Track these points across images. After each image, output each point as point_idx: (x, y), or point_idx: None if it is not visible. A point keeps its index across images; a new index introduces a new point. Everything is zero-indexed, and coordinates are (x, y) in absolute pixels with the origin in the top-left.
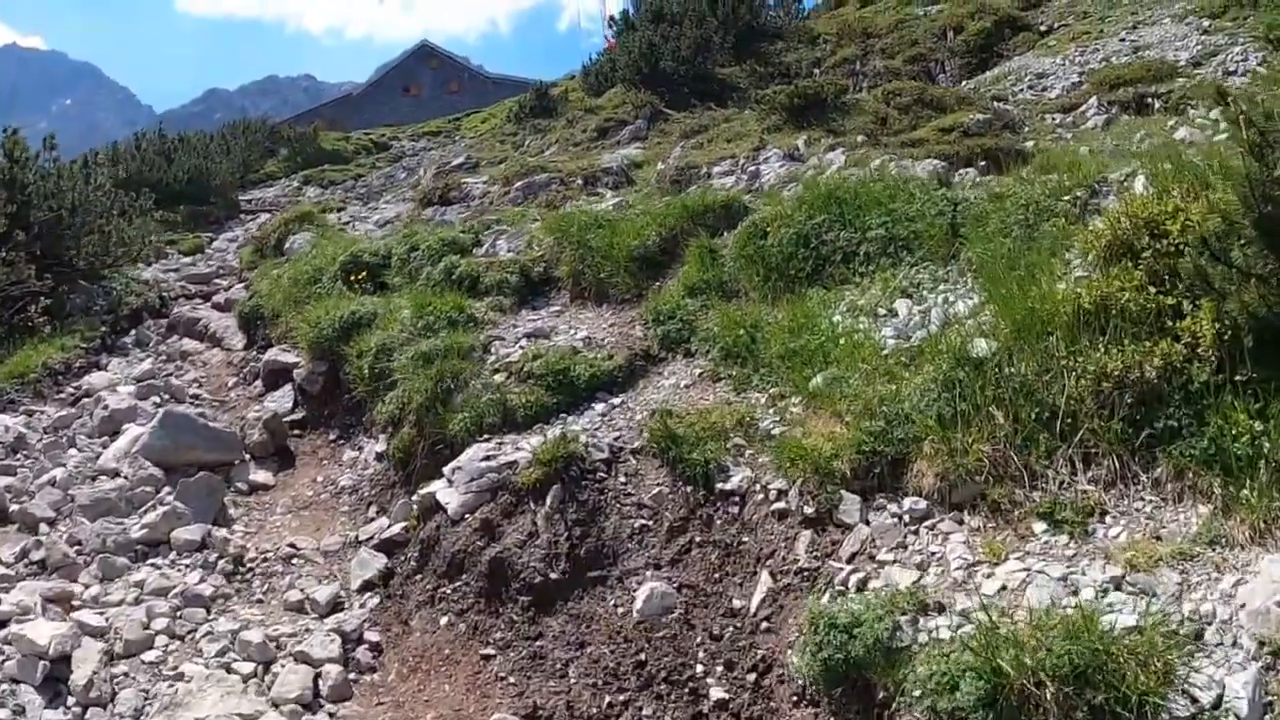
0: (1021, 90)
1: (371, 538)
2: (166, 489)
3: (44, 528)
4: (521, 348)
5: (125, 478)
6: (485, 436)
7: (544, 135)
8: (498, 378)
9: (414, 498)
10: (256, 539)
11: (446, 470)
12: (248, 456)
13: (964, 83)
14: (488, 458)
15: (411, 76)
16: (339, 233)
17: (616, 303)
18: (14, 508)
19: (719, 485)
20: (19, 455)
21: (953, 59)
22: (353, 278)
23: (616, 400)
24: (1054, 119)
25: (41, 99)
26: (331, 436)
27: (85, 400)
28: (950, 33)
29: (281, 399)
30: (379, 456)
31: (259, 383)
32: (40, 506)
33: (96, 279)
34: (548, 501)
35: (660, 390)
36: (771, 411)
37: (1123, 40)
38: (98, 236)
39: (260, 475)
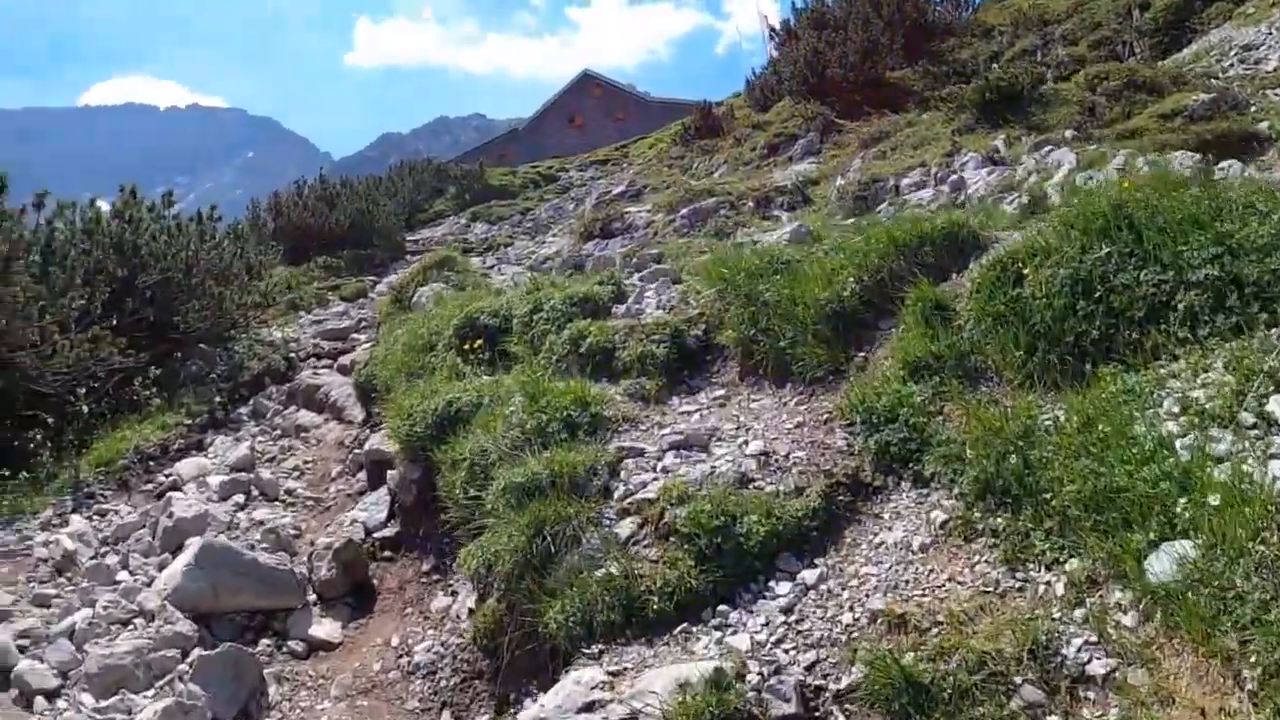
0: (1230, 65)
1: None
2: (198, 651)
3: (40, 702)
4: (665, 471)
5: (151, 634)
6: (596, 646)
7: (711, 156)
8: (625, 526)
9: None
10: None
11: None
12: (313, 598)
13: (1159, 63)
14: (590, 706)
15: (576, 107)
16: (480, 278)
17: (804, 383)
18: (22, 664)
19: None
20: (63, 578)
21: (1141, 39)
22: (467, 345)
23: (810, 575)
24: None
25: (226, 154)
26: (425, 566)
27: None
28: (1136, 11)
29: (374, 507)
30: (471, 615)
31: (362, 475)
32: (41, 671)
33: (220, 342)
34: None
35: (880, 556)
36: (1080, 618)
37: None
38: (205, 300)
39: (324, 628)
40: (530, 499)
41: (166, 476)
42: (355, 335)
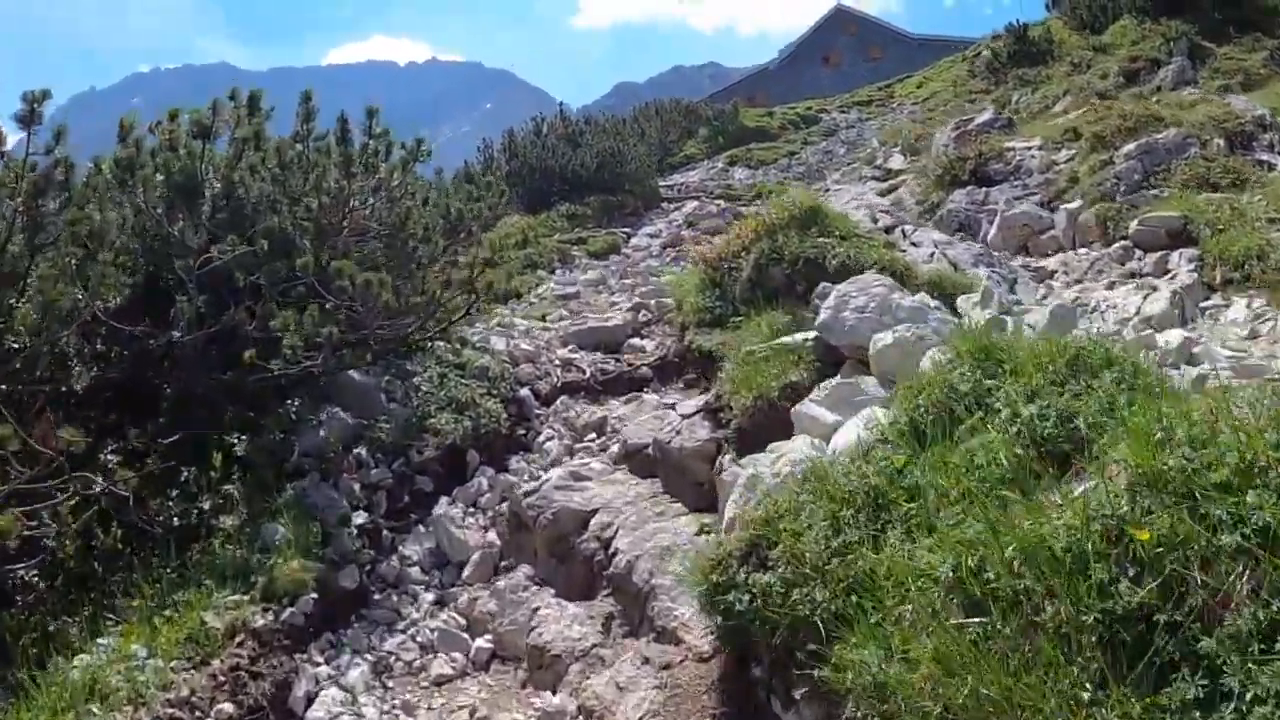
0: None
1: None
2: None
3: None
4: None
5: None
6: None
7: (1037, 87)
8: None
9: None
10: None
11: None
12: None
13: None
14: None
15: (829, 45)
16: (886, 251)
17: None
18: None
19: None
20: None
21: None
22: None
23: None
24: None
25: (464, 105)
26: None
27: None
28: None
29: None
30: None
31: None
32: None
33: (395, 359)
34: None
35: None
36: None
37: None
38: (353, 292)
39: None
40: None
41: None
42: (636, 342)
